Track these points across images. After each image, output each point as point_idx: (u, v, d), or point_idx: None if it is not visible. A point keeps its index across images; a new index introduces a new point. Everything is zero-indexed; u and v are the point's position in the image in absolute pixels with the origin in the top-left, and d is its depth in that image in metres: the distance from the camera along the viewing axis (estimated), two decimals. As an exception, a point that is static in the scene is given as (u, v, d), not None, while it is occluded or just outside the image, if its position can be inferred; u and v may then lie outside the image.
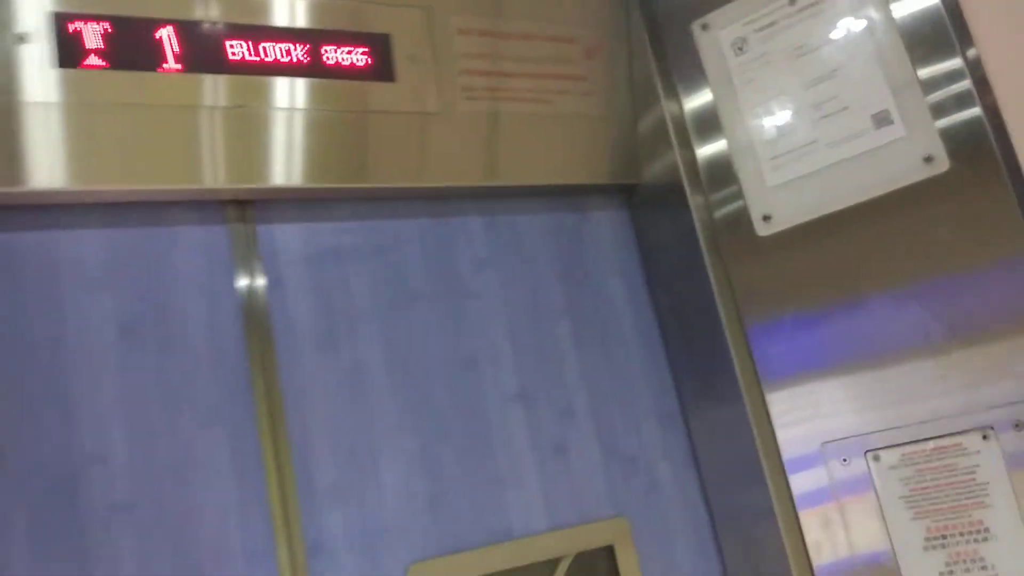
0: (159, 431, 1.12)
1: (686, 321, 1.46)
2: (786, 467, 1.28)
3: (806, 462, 1.28)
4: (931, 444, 1.20)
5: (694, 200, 1.40)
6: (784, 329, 1.32)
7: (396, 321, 1.30)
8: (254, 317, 1.21)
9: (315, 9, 1.26)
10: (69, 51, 1.10)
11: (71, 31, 1.10)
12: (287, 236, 1.27)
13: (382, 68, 1.28)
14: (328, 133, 1.25)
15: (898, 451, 1.22)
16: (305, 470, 1.18)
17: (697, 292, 1.39)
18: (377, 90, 1.28)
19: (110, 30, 1.12)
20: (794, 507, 1.27)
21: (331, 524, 1.17)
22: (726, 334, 1.34)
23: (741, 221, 1.37)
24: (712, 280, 1.36)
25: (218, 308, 1.19)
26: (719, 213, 1.39)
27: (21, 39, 1.08)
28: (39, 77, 1.08)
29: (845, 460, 1.25)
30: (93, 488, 1.07)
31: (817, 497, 1.27)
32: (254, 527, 1.13)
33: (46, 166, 1.08)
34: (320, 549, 1.16)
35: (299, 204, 1.29)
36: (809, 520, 1.26)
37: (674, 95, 1.44)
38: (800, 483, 1.28)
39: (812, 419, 1.28)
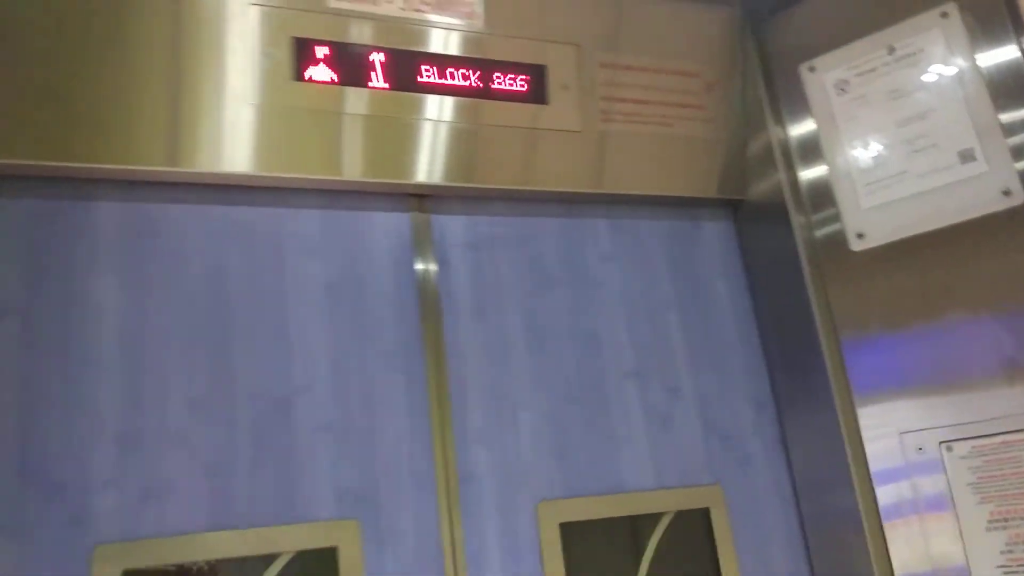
0: (352, 370, 1.41)
1: (783, 325, 1.67)
2: (865, 447, 1.47)
3: (886, 449, 1.46)
4: (999, 439, 1.37)
5: (796, 219, 1.62)
6: (874, 342, 1.51)
7: (535, 300, 1.57)
8: (426, 287, 1.50)
9: (489, 43, 1.55)
10: (303, 68, 1.41)
11: (305, 52, 1.42)
12: (454, 225, 1.56)
13: (538, 93, 1.57)
14: (492, 144, 1.54)
15: (969, 443, 1.40)
16: (461, 413, 1.45)
17: (795, 301, 1.60)
18: (532, 111, 1.56)
19: (334, 53, 1.43)
20: (871, 482, 1.46)
21: (479, 459, 1.44)
22: (821, 343, 1.54)
23: (838, 240, 1.57)
24: (810, 292, 1.57)
25: (400, 278, 1.49)
26: (819, 232, 1.60)
27: (267, 56, 1.40)
28: (279, 87, 1.40)
29: (920, 449, 1.44)
30: (301, 410, 1.36)
31: (893, 477, 1.45)
32: (420, 454, 1.40)
33: (278, 158, 1.40)
34: (470, 478, 1.42)
35: (464, 200, 1.58)
36: (886, 497, 1.45)
37: (781, 123, 1.68)
38: (879, 467, 1.47)
39: (892, 412, 1.47)
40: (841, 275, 1.56)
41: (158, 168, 1.32)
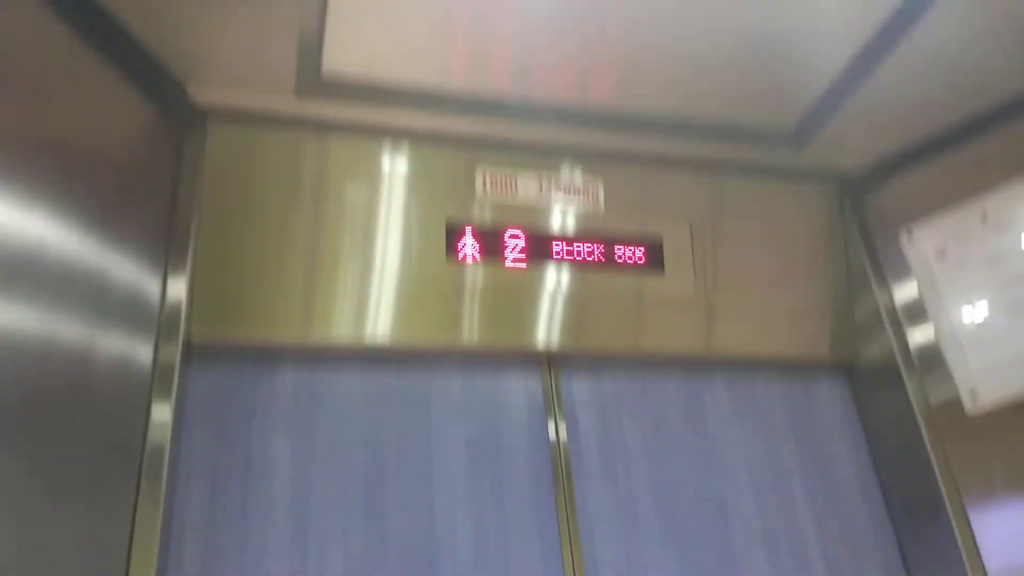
0: (490, 526, 1.47)
1: (907, 489, 1.67)
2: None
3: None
4: None
5: (910, 382, 1.67)
6: (999, 504, 1.52)
7: (660, 460, 1.63)
8: (558, 446, 1.57)
9: (612, 220, 1.71)
10: (453, 248, 1.58)
11: (457, 234, 1.59)
12: (581, 387, 1.66)
13: (655, 263, 1.70)
14: (614, 311, 1.66)
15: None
16: (593, 572, 1.48)
17: (916, 464, 1.62)
18: (650, 280, 1.69)
19: (478, 234, 1.60)
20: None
21: (614, 621, 1.46)
22: (948, 508, 1.54)
23: (954, 401, 1.61)
24: (931, 454, 1.59)
25: (534, 435, 1.57)
26: (933, 394, 1.64)
27: (428, 240, 1.57)
28: (433, 264, 1.56)
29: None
30: (444, 564, 1.42)
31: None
32: (555, 614, 1.44)
33: (426, 329, 1.54)
34: (606, 641, 1.44)
35: (591, 362, 1.68)
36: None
37: (886, 287, 1.77)
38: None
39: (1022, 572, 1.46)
40: (960, 438, 1.58)
41: (324, 339, 1.48)
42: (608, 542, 1.52)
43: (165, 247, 1.38)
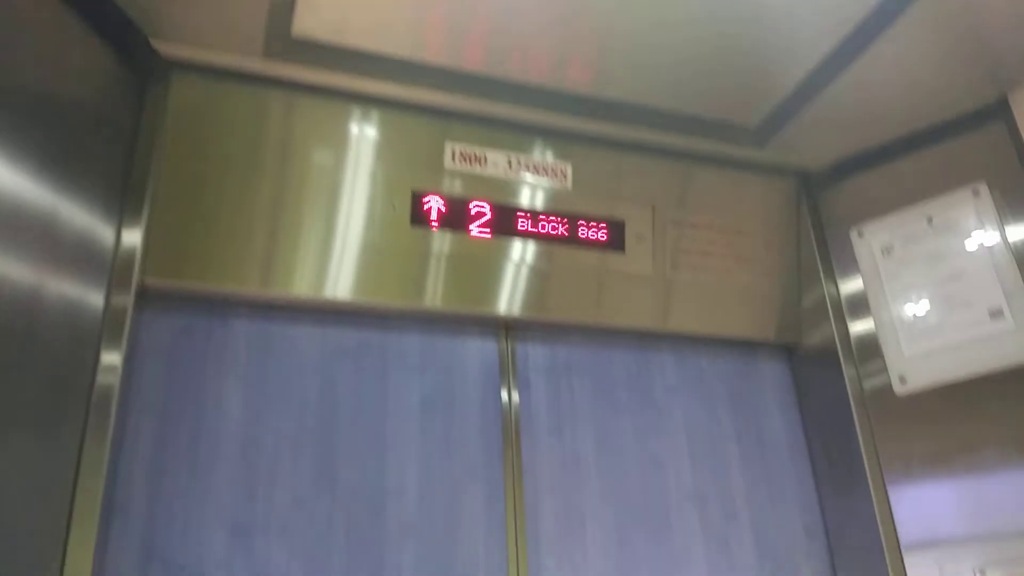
0: (439, 478, 1.58)
1: (834, 461, 1.81)
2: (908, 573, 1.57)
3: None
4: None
5: (847, 369, 1.79)
6: (916, 481, 1.64)
7: (605, 422, 1.74)
8: (509, 407, 1.67)
9: (578, 199, 1.80)
10: (419, 216, 1.67)
11: (422, 202, 1.67)
12: (536, 353, 1.76)
13: (617, 242, 1.80)
14: (573, 284, 1.75)
15: (1000, 570, 1.50)
16: (533, 521, 1.60)
17: (845, 441, 1.76)
18: (611, 257, 1.79)
19: (444, 203, 1.69)
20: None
21: (548, 566, 1.57)
22: (869, 480, 1.68)
23: (885, 389, 1.74)
24: (859, 435, 1.73)
25: (488, 396, 1.68)
26: (867, 382, 1.77)
27: (394, 207, 1.65)
28: (397, 230, 1.64)
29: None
30: (392, 513, 1.52)
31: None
32: (495, 557, 1.54)
33: (389, 290, 1.63)
34: (540, 584, 1.55)
35: (547, 331, 1.78)
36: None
37: (832, 280, 1.88)
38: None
39: (932, 544, 1.59)
40: (887, 420, 1.71)
41: (283, 294, 1.55)
42: (550, 493, 1.63)
43: (121, 193, 1.42)
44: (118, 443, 1.36)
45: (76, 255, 1.30)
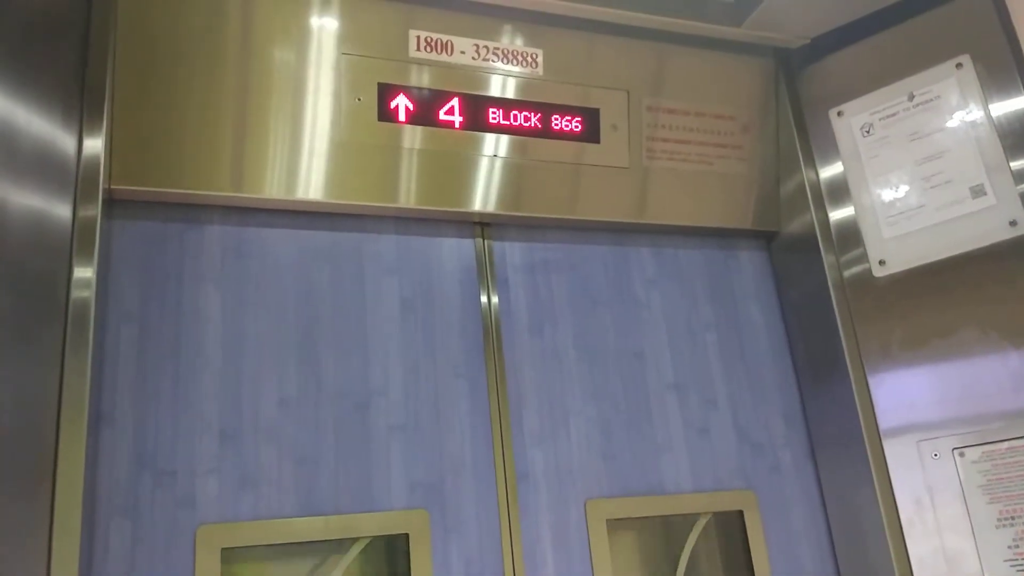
0: (422, 376, 1.59)
1: (813, 346, 1.82)
2: (886, 453, 1.62)
3: (904, 456, 1.61)
4: (1006, 444, 1.51)
5: (826, 256, 1.78)
6: (895, 361, 1.66)
7: (584, 318, 1.74)
8: (488, 305, 1.67)
9: (550, 88, 1.74)
10: (386, 110, 1.61)
11: (389, 97, 1.62)
12: (513, 249, 1.74)
13: (591, 133, 1.75)
14: (548, 178, 1.72)
15: (979, 449, 1.54)
16: (518, 418, 1.62)
17: (824, 326, 1.76)
18: (586, 149, 1.75)
19: (413, 97, 1.63)
20: (892, 491, 1.60)
21: (534, 459, 1.60)
22: (847, 364, 1.70)
23: (864, 275, 1.73)
24: (838, 320, 1.73)
25: (466, 295, 1.67)
26: (846, 268, 1.76)
27: (359, 100, 1.59)
28: (365, 126, 1.60)
29: (936, 455, 1.58)
30: (377, 411, 1.54)
31: (911, 481, 1.59)
32: (481, 454, 1.57)
33: (361, 189, 1.59)
34: (526, 476, 1.58)
35: (522, 227, 1.76)
36: (905, 498, 1.59)
37: (812, 164, 1.85)
38: (898, 472, 1.61)
39: (911, 422, 1.62)
40: (866, 304, 1.72)
41: (255, 196, 1.52)
42: (532, 389, 1.65)
43: (79, 98, 1.37)
44: (99, 355, 1.35)
45: (38, 166, 1.25)
